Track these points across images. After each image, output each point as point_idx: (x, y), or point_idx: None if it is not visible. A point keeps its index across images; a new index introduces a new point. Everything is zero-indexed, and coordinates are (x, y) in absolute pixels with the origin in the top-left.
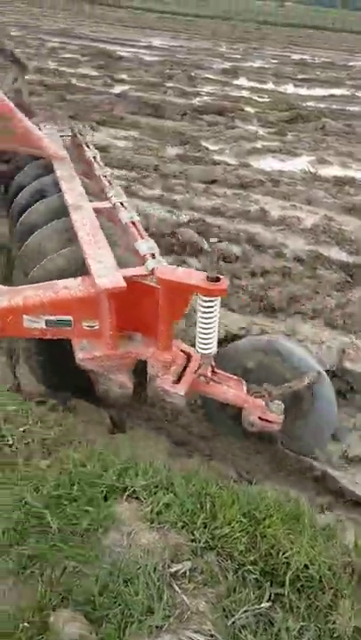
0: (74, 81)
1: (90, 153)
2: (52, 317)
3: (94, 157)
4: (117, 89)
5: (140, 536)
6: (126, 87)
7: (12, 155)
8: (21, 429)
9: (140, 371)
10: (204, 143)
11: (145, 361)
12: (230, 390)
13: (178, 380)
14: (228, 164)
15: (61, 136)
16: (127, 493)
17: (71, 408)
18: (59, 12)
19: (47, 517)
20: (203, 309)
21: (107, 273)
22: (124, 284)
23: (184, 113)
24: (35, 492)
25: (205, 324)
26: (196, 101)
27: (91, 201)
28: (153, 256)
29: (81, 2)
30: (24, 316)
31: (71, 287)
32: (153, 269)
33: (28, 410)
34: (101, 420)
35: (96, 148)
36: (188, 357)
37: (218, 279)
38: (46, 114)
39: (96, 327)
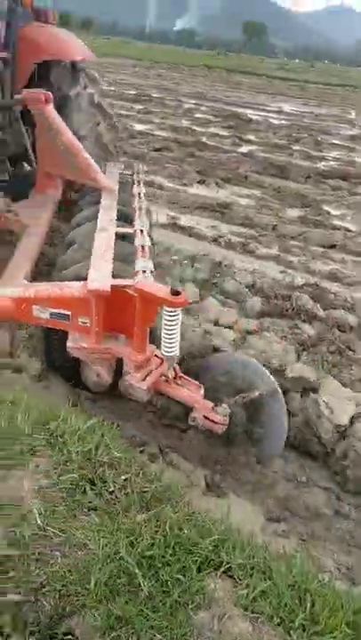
0: (204, 139)
1: (136, 189)
2: (55, 310)
3: (139, 193)
4: (245, 149)
5: (233, 624)
6: (253, 147)
7: (81, 186)
8: (123, 477)
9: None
10: (325, 207)
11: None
12: (186, 391)
13: (144, 378)
14: (349, 231)
15: (124, 173)
16: (222, 569)
17: (169, 462)
18: (198, 77)
19: (139, 578)
20: (166, 318)
21: (99, 279)
22: (108, 289)
23: (308, 176)
24: (129, 547)
25: (169, 330)
26: (321, 165)
27: (120, 227)
28: (144, 272)
29: (220, 69)
30: (34, 306)
31: (72, 287)
32: (135, 282)
33: (131, 458)
34: (198, 482)
35: (219, 205)
36: (162, 362)
37: (178, 293)
38: (174, 167)
39: (87, 323)
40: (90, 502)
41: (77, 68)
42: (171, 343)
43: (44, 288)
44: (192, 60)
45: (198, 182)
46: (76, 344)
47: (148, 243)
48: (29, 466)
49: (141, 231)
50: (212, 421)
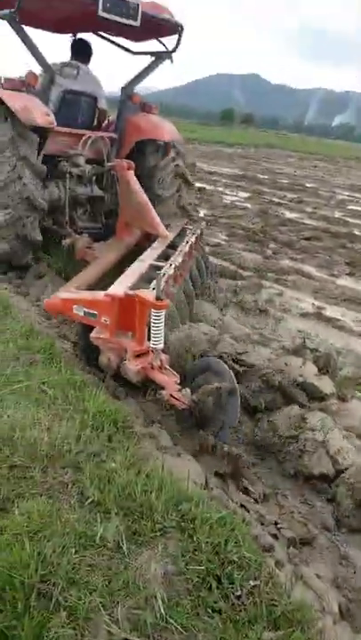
0: (356, 231)
1: (187, 238)
2: (88, 310)
3: (187, 241)
4: None
5: None
6: None
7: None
8: (252, 583)
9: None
10: None
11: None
12: (163, 377)
13: (137, 364)
14: None
15: (185, 227)
16: None
17: (299, 576)
18: (353, 170)
19: None
20: (154, 318)
21: (118, 290)
22: (121, 295)
23: None
24: None
25: (155, 327)
26: None
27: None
28: (153, 288)
29: None
30: (74, 306)
31: (100, 294)
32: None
33: (261, 562)
34: (330, 607)
35: None
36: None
37: (161, 299)
38: (323, 257)
39: (107, 321)
40: (215, 602)
41: (168, 146)
42: (157, 338)
43: (84, 294)
44: (348, 153)
45: (348, 274)
46: (97, 335)
47: (169, 272)
48: (159, 547)
49: (170, 264)
50: (175, 399)
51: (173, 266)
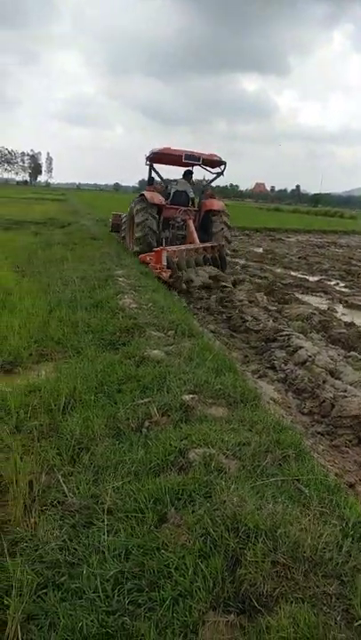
0: None
1: (203, 247)
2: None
3: (203, 247)
4: None
5: None
6: None
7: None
8: None
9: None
10: None
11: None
12: (164, 274)
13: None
14: None
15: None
16: None
17: None
18: None
19: None
20: (162, 256)
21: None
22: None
23: None
24: None
25: (163, 260)
26: None
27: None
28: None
29: None
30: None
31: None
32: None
33: None
34: None
35: None
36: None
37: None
38: None
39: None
40: None
41: (218, 212)
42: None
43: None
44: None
45: None
46: (154, 268)
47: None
48: None
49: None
50: (161, 273)
51: (184, 248)
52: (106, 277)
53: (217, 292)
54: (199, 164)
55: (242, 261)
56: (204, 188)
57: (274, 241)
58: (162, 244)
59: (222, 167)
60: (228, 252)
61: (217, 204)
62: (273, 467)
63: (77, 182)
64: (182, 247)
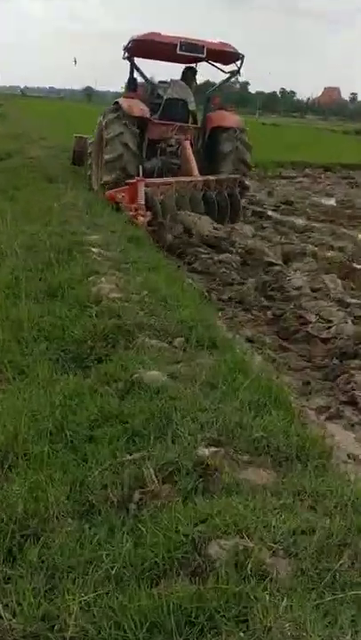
0: None
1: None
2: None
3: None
4: None
5: None
6: None
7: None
8: None
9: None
10: None
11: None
12: (141, 218)
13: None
14: None
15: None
16: None
17: None
18: None
19: None
20: (139, 191)
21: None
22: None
23: None
24: None
25: (140, 198)
26: None
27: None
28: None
29: None
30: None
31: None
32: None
33: None
34: None
35: None
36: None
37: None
38: None
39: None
40: None
41: (230, 129)
42: (142, 204)
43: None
44: None
45: None
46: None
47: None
48: None
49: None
50: (136, 216)
51: (173, 181)
52: (69, 246)
53: (258, 271)
54: (203, 59)
55: (300, 221)
56: (210, 95)
57: (356, 187)
58: (147, 178)
59: (238, 63)
60: (248, 186)
61: (230, 118)
62: (353, 572)
63: (22, 85)
64: (171, 179)
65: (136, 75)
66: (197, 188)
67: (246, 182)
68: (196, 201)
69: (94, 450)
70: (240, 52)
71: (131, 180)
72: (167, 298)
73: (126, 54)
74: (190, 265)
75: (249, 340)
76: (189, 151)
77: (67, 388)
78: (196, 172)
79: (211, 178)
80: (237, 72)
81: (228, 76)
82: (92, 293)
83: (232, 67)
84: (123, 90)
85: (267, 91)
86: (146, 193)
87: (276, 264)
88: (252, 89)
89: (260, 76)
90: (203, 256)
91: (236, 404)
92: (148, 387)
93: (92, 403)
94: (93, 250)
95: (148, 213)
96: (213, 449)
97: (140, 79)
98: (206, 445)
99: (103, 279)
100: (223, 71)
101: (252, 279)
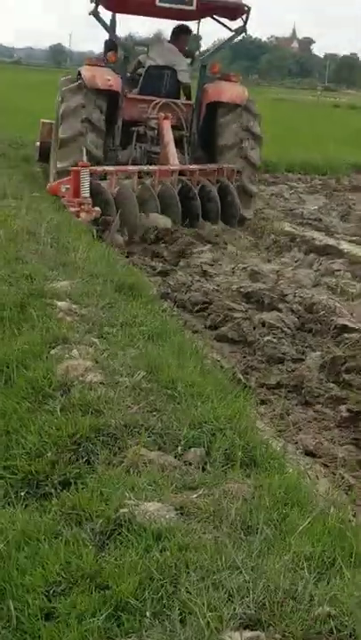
0: None
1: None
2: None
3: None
4: None
5: None
6: None
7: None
8: None
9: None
10: None
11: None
12: (84, 215)
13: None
14: None
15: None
16: None
17: None
18: None
19: None
20: (82, 180)
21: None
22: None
23: None
24: None
25: (83, 190)
26: None
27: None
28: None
29: None
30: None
31: None
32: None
33: None
34: None
35: None
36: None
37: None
38: None
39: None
40: None
41: (230, 112)
42: (85, 194)
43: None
44: None
45: None
46: (69, 205)
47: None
48: None
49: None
50: (79, 213)
51: (134, 169)
52: (22, 299)
53: (325, 341)
54: (194, 15)
55: None
56: (204, 62)
57: None
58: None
59: (244, 17)
60: (253, 186)
61: (231, 90)
62: None
63: None
64: (133, 168)
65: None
66: (173, 182)
67: (251, 187)
68: (169, 196)
69: (54, 635)
70: (245, 3)
71: (74, 167)
72: (177, 383)
73: (93, 7)
74: (216, 329)
75: (310, 454)
76: (169, 133)
77: (12, 530)
78: (173, 159)
79: (192, 167)
80: (242, 30)
81: (231, 35)
82: (56, 375)
83: (237, 24)
84: (102, 52)
85: (342, 53)
86: (91, 183)
87: (355, 329)
88: (317, 50)
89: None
90: (236, 315)
91: (287, 560)
92: (144, 529)
93: (51, 554)
94: (60, 305)
95: (97, 209)
96: (249, 634)
97: (108, 36)
98: (238, 628)
99: (75, 351)
100: (229, 28)
101: (314, 353)
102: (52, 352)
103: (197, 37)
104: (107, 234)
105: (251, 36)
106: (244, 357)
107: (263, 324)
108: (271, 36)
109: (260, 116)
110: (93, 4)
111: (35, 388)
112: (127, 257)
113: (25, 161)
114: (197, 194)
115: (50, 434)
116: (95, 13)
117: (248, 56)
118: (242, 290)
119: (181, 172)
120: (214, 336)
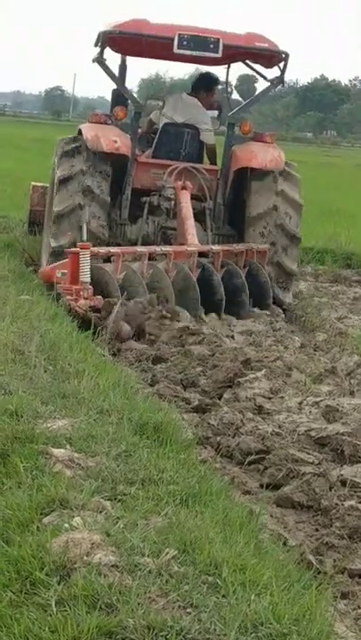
0: None
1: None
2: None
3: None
4: None
5: None
6: None
7: None
8: None
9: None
10: None
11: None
12: (82, 300)
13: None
14: None
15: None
16: None
17: None
18: None
19: None
20: (82, 263)
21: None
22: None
23: None
24: None
25: (83, 274)
26: None
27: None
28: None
29: None
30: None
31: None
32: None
33: None
34: None
35: None
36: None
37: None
38: None
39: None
40: None
41: (263, 179)
42: (85, 277)
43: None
44: None
45: None
46: (65, 293)
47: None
48: None
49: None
50: (76, 311)
51: (146, 251)
52: (5, 445)
53: None
54: (220, 60)
55: None
56: (233, 119)
57: None
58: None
59: (281, 65)
60: (292, 262)
61: (264, 154)
62: None
63: None
64: (142, 249)
65: (120, 88)
66: (192, 264)
67: (289, 263)
68: (186, 283)
69: None
70: (282, 49)
71: (73, 249)
72: (222, 566)
73: (99, 48)
74: (277, 488)
75: None
76: (188, 205)
77: None
78: (193, 237)
79: (215, 248)
80: (280, 81)
81: (267, 86)
82: (50, 553)
83: (273, 73)
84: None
85: None
86: (92, 268)
87: None
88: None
89: None
90: (305, 469)
91: None
92: None
93: None
94: (57, 453)
95: (99, 298)
96: None
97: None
98: None
99: (77, 520)
100: (264, 77)
101: None
102: (46, 520)
103: (227, 85)
104: (110, 320)
105: (326, 79)
106: (317, 530)
107: (343, 483)
108: (355, 78)
109: (299, 181)
110: (99, 49)
111: (20, 573)
112: (151, 385)
113: (9, 247)
114: (221, 280)
115: (41, 638)
116: (101, 61)
117: (322, 105)
118: (313, 434)
119: (202, 254)
120: (274, 499)
